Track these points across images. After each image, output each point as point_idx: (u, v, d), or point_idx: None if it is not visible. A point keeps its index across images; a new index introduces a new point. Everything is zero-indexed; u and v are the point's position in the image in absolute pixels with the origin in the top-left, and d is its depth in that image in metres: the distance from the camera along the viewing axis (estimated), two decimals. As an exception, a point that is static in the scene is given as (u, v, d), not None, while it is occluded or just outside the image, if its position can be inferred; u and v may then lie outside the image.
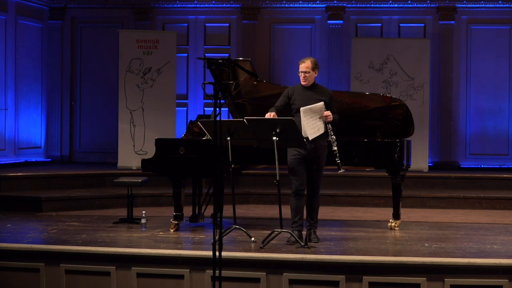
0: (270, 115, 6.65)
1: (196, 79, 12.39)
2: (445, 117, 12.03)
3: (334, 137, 6.63)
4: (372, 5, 12.16)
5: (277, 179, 6.49)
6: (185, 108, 12.41)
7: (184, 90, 12.41)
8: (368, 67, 11.41)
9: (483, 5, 11.99)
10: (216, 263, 5.34)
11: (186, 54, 12.41)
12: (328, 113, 6.60)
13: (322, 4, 12.21)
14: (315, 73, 6.78)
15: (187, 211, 7.96)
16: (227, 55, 12.18)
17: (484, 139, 12.02)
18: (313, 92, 6.75)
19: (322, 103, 6.64)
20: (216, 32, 12.46)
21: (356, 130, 7.83)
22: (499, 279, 5.79)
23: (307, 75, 6.72)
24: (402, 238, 7.14)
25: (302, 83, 6.77)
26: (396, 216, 7.66)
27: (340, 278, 5.90)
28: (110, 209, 9.26)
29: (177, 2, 12.39)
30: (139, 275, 6.18)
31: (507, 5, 11.90)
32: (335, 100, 6.83)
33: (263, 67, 12.23)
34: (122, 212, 8.52)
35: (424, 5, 12.11)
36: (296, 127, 6.55)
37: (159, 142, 7.57)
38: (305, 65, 6.74)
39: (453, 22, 12.04)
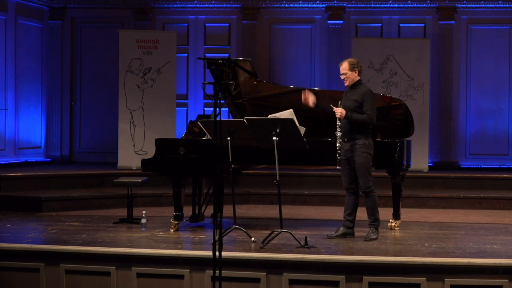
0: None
1: (196, 79, 12.39)
2: (445, 117, 12.04)
3: (339, 133, 6.82)
4: (372, 5, 12.16)
5: (277, 179, 6.51)
6: (185, 108, 12.41)
7: (184, 90, 12.41)
8: (368, 67, 11.39)
9: (483, 5, 12.00)
10: (216, 263, 5.34)
11: (186, 54, 12.41)
12: (338, 109, 6.75)
13: (322, 4, 12.21)
14: (355, 72, 6.92)
15: (187, 211, 7.96)
16: (227, 55, 12.18)
17: (484, 139, 12.02)
18: (351, 92, 6.95)
19: (290, 110, 6.90)
20: (216, 32, 12.46)
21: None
22: (499, 279, 5.79)
23: (345, 76, 6.93)
24: (402, 238, 7.14)
25: (344, 84, 6.99)
26: (396, 216, 7.66)
27: (340, 278, 5.90)
28: (110, 209, 9.25)
29: (177, 2, 12.39)
30: (139, 275, 6.18)
31: (507, 5, 11.90)
32: (371, 99, 6.87)
33: (263, 67, 12.23)
34: (122, 212, 8.52)
35: (424, 5, 12.11)
36: (296, 127, 6.56)
37: (159, 142, 7.57)
38: (342, 67, 6.95)
39: (453, 22, 12.04)
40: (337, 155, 6.83)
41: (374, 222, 6.99)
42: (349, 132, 6.83)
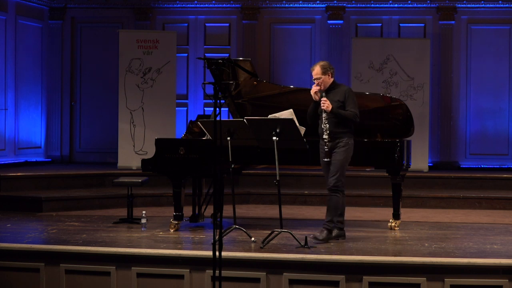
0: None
1: (196, 79, 12.39)
2: (445, 117, 12.04)
3: (327, 125, 6.64)
4: (372, 5, 12.16)
5: (277, 179, 6.51)
6: (185, 108, 12.41)
7: (184, 90, 12.41)
8: (368, 67, 11.41)
9: (483, 5, 12.00)
10: (216, 263, 5.34)
11: (186, 54, 12.41)
12: (326, 101, 6.62)
13: (322, 4, 12.21)
14: (328, 75, 6.80)
15: (187, 211, 7.96)
16: (227, 55, 12.18)
17: (484, 139, 12.03)
18: (330, 93, 6.79)
19: (290, 110, 6.84)
20: (216, 32, 12.46)
21: (356, 130, 7.81)
22: (499, 279, 5.79)
23: (319, 81, 6.79)
24: (402, 238, 7.14)
25: (320, 88, 6.81)
26: (396, 216, 7.66)
27: (340, 278, 5.90)
28: (110, 209, 9.25)
29: (177, 2, 12.39)
30: (139, 275, 6.19)
31: (507, 5, 11.90)
32: (352, 97, 6.79)
33: (263, 67, 12.24)
34: (122, 212, 8.52)
35: (424, 5, 12.11)
36: (296, 127, 6.56)
37: (159, 142, 7.57)
38: (314, 72, 6.82)
39: (453, 22, 12.05)
40: (325, 147, 6.65)
41: (329, 223, 6.83)
42: (333, 132, 6.69)
